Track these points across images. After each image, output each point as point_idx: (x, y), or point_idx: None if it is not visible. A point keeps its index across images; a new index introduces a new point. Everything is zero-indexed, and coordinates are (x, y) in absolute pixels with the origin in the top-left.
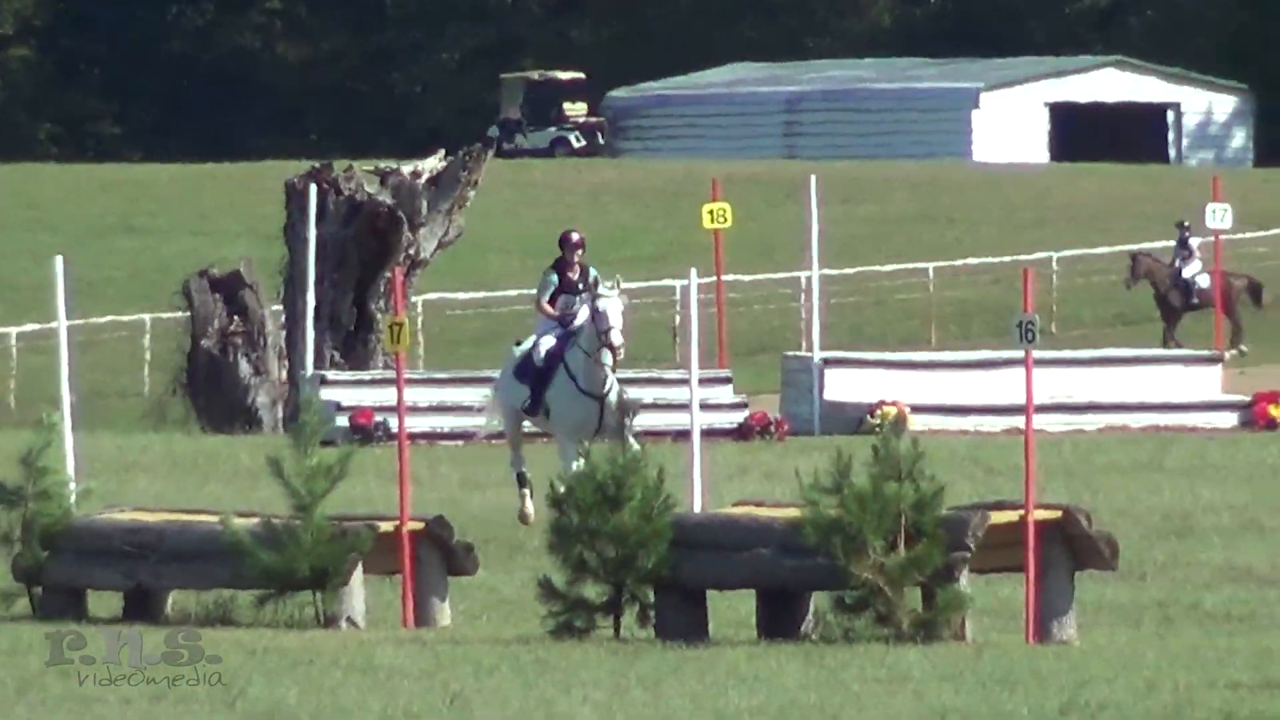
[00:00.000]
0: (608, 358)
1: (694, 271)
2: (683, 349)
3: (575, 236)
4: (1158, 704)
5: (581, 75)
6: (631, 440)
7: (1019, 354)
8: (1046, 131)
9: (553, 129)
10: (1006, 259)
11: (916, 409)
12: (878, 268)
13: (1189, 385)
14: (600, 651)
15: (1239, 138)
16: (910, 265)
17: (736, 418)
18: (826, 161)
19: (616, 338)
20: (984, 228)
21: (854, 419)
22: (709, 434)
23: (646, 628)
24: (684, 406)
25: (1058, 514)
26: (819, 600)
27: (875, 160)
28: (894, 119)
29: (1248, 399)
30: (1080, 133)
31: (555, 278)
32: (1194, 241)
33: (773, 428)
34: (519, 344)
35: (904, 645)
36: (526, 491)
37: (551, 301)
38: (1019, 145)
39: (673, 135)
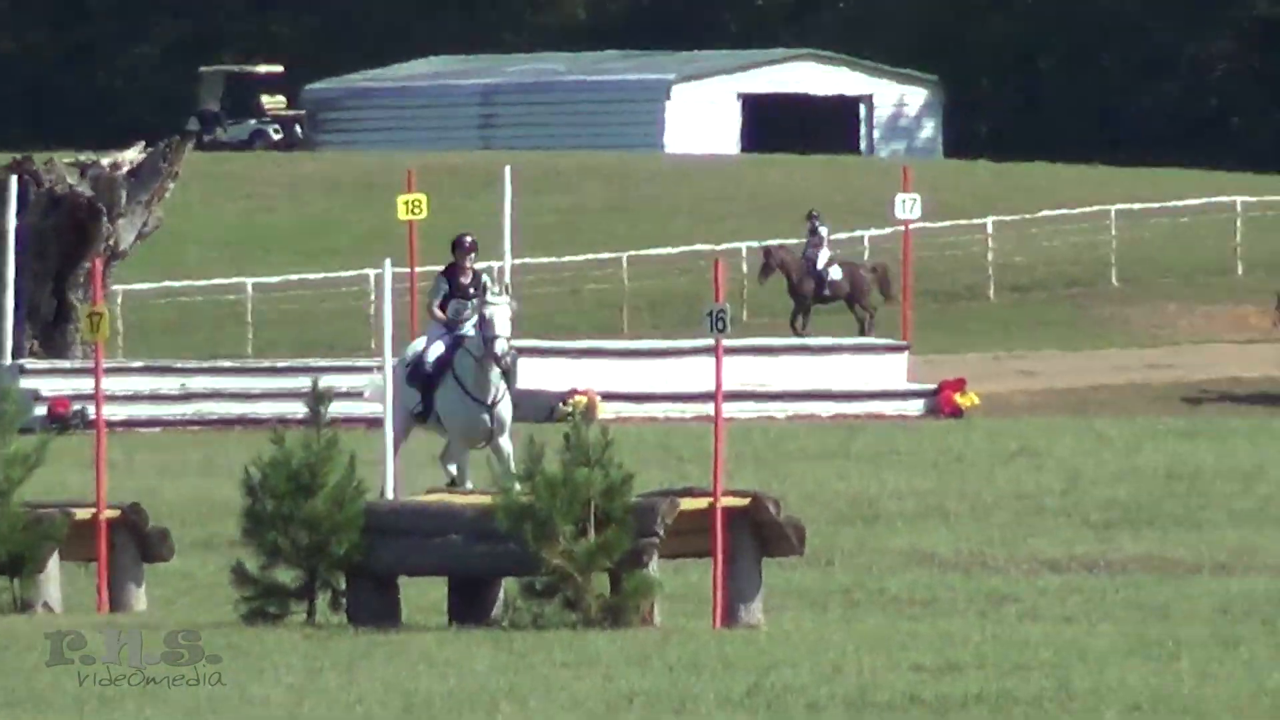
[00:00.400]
0: (494, 370)
1: (388, 262)
2: (377, 338)
3: (468, 240)
4: (843, 687)
5: (280, 68)
6: (505, 450)
7: (709, 343)
8: (738, 123)
9: (252, 121)
10: (697, 248)
11: (607, 397)
12: (570, 258)
13: (876, 374)
14: (293, 636)
15: (929, 129)
16: (602, 255)
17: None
18: (521, 152)
19: (501, 346)
20: (675, 218)
21: (546, 407)
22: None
23: (339, 613)
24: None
25: (746, 501)
26: (509, 586)
27: (569, 151)
28: (587, 111)
29: (933, 387)
30: (772, 124)
31: (446, 282)
32: (824, 230)
33: None
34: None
35: (592, 630)
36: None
37: (443, 307)
38: (711, 137)
39: (371, 127)
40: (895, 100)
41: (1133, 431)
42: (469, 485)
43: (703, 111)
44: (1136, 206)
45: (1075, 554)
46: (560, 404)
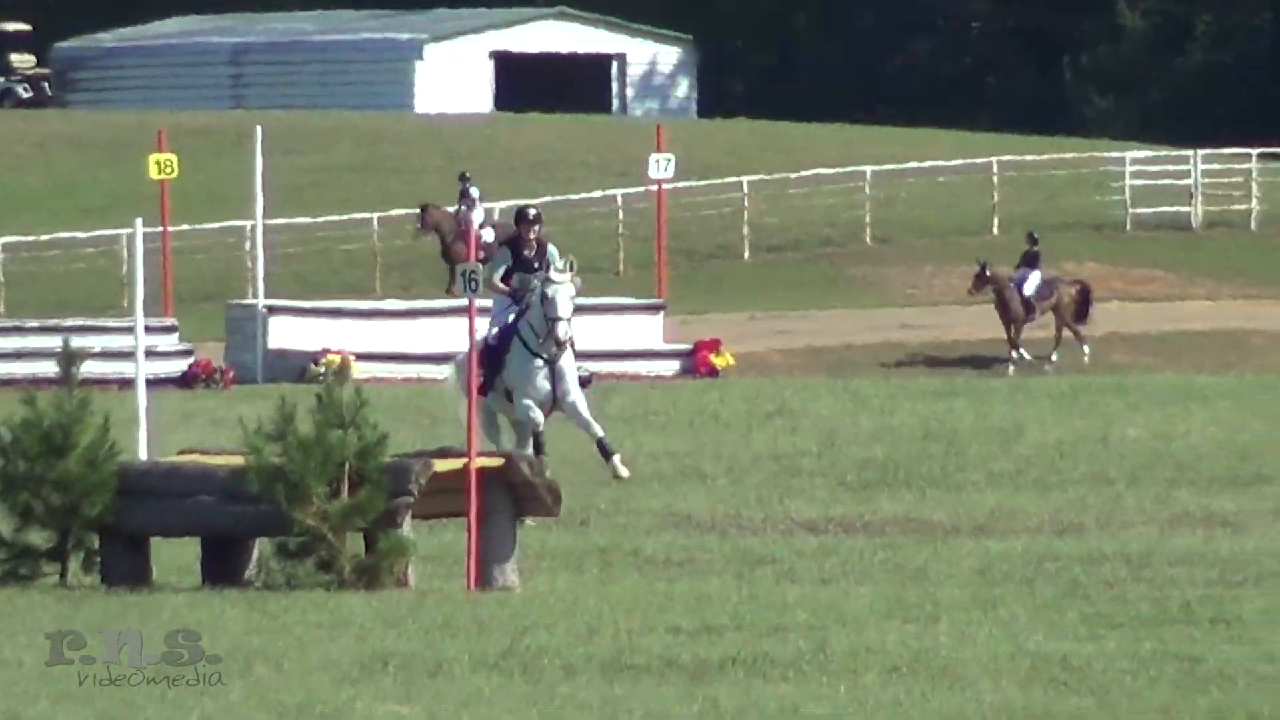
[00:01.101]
0: (554, 350)
1: (139, 221)
2: (129, 297)
3: (532, 212)
4: (598, 649)
5: (28, 26)
6: (589, 419)
7: (462, 303)
8: (491, 82)
9: (0, 79)
10: (449, 209)
11: (361, 357)
12: (322, 217)
13: (632, 334)
14: (46, 598)
15: (683, 88)
16: (354, 215)
17: (181, 365)
18: (272, 112)
19: (563, 330)
20: (426, 177)
21: (298, 367)
22: (154, 382)
23: (92, 574)
24: (129, 355)
25: (500, 461)
26: (263, 546)
27: (320, 111)
28: (338, 70)
29: (689, 347)
30: (525, 83)
31: (509, 254)
32: (475, 192)
33: (218, 375)
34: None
35: (346, 591)
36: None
37: (506, 280)
38: (463, 96)
39: (122, 86)
40: (649, 59)
41: (889, 392)
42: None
43: (455, 71)
44: (892, 167)
45: (832, 515)
46: (312, 364)
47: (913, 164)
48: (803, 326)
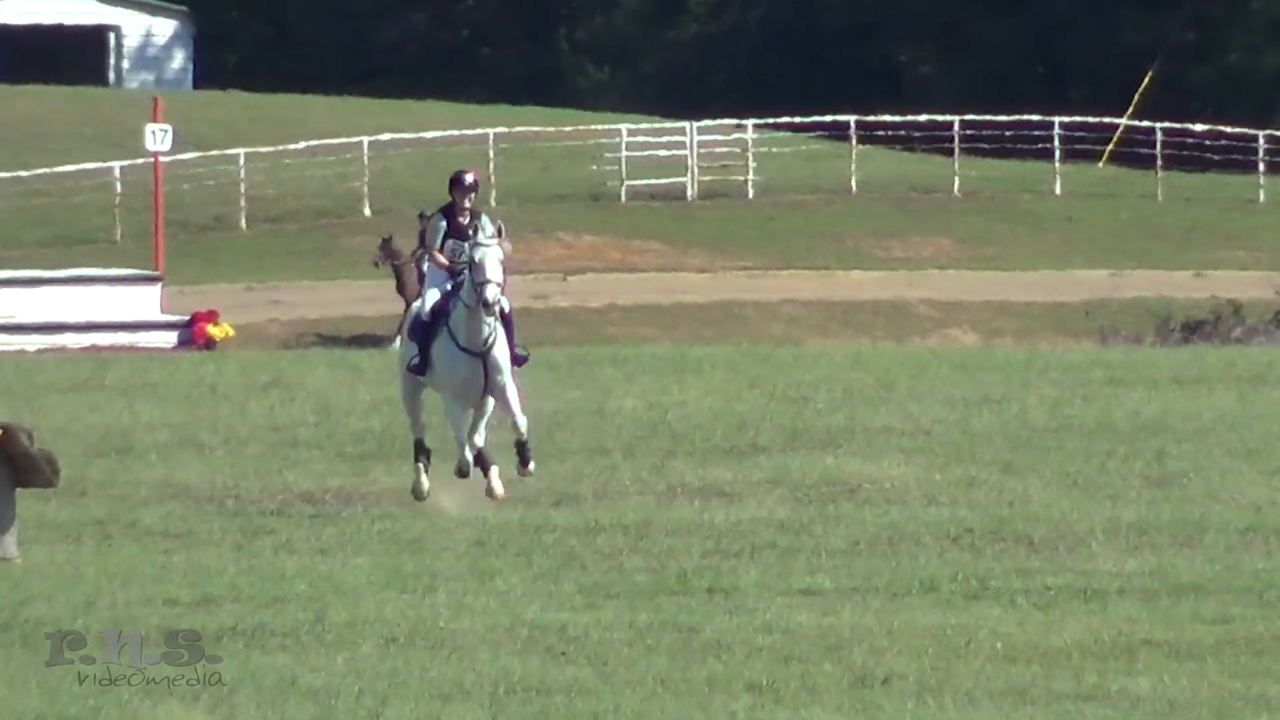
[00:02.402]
0: (487, 317)
1: None
2: None
3: (468, 179)
4: (96, 620)
5: None
6: (515, 409)
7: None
8: None
9: None
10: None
11: None
12: None
13: (128, 305)
14: None
15: (179, 60)
16: None
17: None
18: None
19: (492, 292)
20: None
21: None
22: None
23: None
24: None
25: None
26: None
27: None
28: None
29: (186, 319)
30: (17, 55)
31: (444, 222)
32: None
33: None
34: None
35: None
36: (421, 465)
37: (440, 248)
38: None
39: None
40: (144, 31)
41: (385, 363)
42: (467, 455)
43: None
44: (389, 137)
45: (329, 486)
46: None
47: (409, 135)
48: (299, 298)
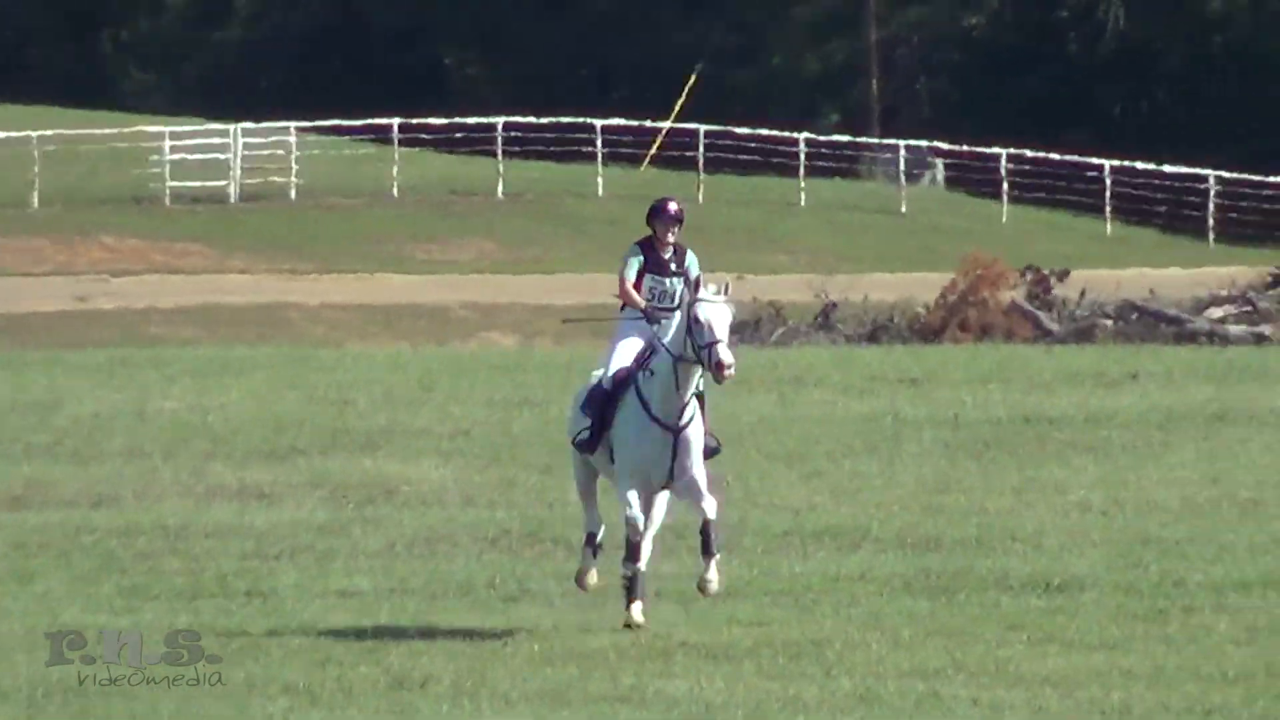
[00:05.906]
0: (694, 384)
1: None
2: None
3: (673, 208)
4: None
5: None
6: (706, 501)
7: None
8: None
9: None
10: None
11: None
12: None
13: None
14: None
15: None
16: None
17: None
18: None
19: (726, 354)
20: None
21: None
22: None
23: None
24: None
25: None
26: None
27: None
28: None
29: None
30: None
31: (640, 258)
32: None
33: None
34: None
35: None
36: (590, 553)
37: (637, 285)
38: None
39: None
40: None
41: None
42: (650, 531)
43: None
44: None
45: None
46: None
47: None
48: None
